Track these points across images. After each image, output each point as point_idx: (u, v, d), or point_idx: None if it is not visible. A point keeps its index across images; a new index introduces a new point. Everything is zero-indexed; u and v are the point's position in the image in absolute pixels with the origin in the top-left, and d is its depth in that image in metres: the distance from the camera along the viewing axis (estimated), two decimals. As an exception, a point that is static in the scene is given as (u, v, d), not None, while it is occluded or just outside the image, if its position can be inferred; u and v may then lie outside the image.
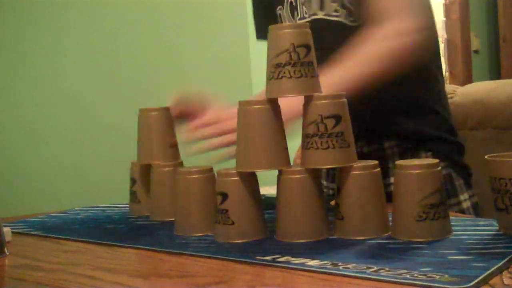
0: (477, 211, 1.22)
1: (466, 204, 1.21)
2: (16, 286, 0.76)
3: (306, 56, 0.85)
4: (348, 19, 1.16)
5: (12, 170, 1.97)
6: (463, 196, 1.21)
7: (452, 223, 0.86)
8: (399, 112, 1.20)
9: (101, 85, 2.15)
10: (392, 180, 1.17)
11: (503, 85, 1.39)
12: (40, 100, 2.04)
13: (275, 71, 0.85)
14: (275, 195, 0.88)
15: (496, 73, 4.08)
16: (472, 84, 1.47)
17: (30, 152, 2.01)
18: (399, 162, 0.83)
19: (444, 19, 3.71)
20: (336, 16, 1.17)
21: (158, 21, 2.28)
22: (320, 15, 1.18)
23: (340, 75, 1.04)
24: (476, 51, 3.98)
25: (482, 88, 1.39)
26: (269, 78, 0.86)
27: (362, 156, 1.17)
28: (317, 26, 1.14)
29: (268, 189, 1.03)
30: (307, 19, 1.20)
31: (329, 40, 1.15)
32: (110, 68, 2.17)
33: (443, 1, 3.68)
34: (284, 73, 0.84)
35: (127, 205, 1.16)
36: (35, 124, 2.03)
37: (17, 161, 1.99)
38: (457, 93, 1.42)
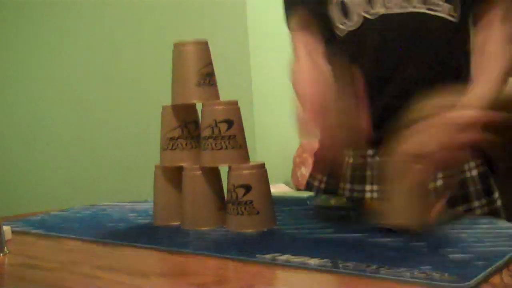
0: (505, 212, 1.19)
1: (499, 202, 1.18)
2: (16, 284, 0.76)
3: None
4: (451, 15, 1.10)
5: (12, 169, 1.97)
6: (495, 195, 1.18)
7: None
8: None
9: (101, 85, 2.15)
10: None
11: (503, 85, 1.38)
12: (40, 100, 2.04)
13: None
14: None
15: (496, 73, 4.07)
16: (472, 84, 1.46)
17: (31, 152, 2.01)
18: None
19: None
20: (439, 10, 1.09)
21: (158, 21, 2.28)
22: (423, 9, 1.10)
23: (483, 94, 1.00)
24: (476, 51, 3.97)
25: (482, 88, 1.39)
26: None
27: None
28: (415, 21, 1.10)
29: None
30: (410, 10, 1.10)
31: (428, 37, 1.11)
32: (110, 68, 2.17)
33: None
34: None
35: (127, 204, 1.16)
36: (35, 124, 2.03)
37: (18, 160, 1.99)
38: (457, 92, 1.41)
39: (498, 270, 0.65)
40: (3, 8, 1.97)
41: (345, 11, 1.15)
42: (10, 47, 1.99)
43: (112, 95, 2.17)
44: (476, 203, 1.13)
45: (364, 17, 1.13)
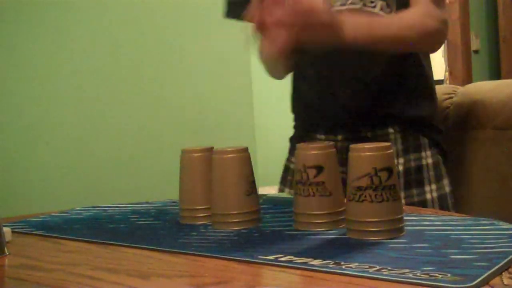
0: (451, 198, 1.29)
1: (447, 189, 1.28)
2: (16, 286, 0.76)
3: (388, 180, 0.82)
4: (385, 11, 1.18)
5: (12, 170, 1.97)
6: (445, 181, 1.28)
7: (453, 223, 0.86)
8: (402, 98, 1.26)
9: (102, 85, 2.15)
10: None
11: (503, 85, 1.39)
12: (40, 100, 2.04)
13: (356, 193, 0.83)
14: (276, 195, 0.88)
15: (496, 73, 4.08)
16: (472, 84, 1.46)
17: (31, 152, 2.01)
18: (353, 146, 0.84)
19: (444, 19, 3.71)
20: (373, 7, 1.18)
21: (158, 21, 2.27)
22: (359, 5, 1.19)
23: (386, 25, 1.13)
24: (476, 51, 3.98)
25: (482, 88, 1.39)
26: (350, 200, 0.84)
27: (366, 139, 1.25)
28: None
29: (268, 189, 1.03)
30: (347, 6, 1.19)
31: None
32: (110, 68, 2.17)
33: (443, 1, 3.68)
34: (365, 196, 0.82)
35: (128, 205, 1.16)
36: (35, 124, 2.03)
37: (18, 161, 1.99)
38: (457, 93, 1.42)
39: (500, 271, 0.65)
40: (3, 8, 1.97)
41: None
42: (10, 46, 1.99)
43: (113, 95, 2.16)
44: (427, 188, 1.25)
45: None
